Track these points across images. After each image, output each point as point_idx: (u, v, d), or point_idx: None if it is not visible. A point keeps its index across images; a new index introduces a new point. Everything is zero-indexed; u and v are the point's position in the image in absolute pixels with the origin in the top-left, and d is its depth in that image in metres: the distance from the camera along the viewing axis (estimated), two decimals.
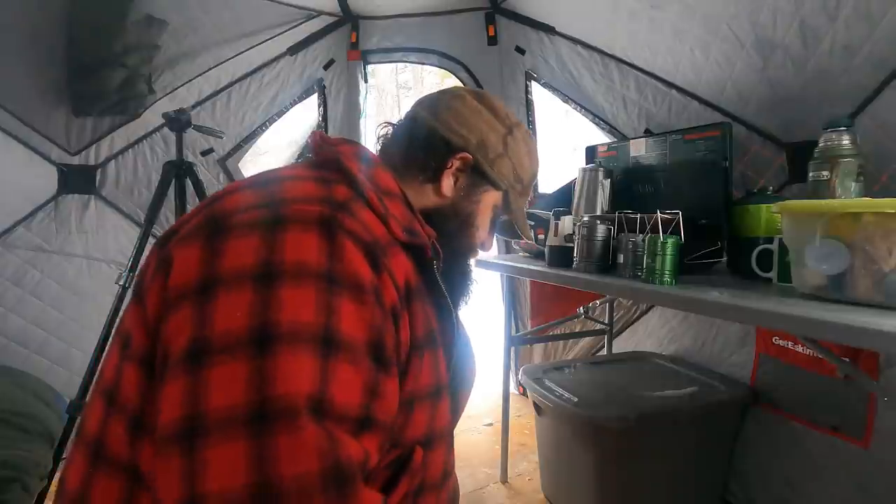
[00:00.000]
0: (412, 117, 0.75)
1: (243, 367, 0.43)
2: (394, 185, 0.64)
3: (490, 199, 0.75)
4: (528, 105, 2.47)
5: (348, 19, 2.45)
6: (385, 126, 0.79)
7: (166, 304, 0.48)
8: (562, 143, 3.28)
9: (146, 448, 0.48)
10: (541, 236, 1.65)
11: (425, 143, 0.71)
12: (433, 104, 0.75)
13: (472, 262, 0.79)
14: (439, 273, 0.66)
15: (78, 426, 0.56)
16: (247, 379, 0.42)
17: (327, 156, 0.63)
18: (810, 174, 1.14)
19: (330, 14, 2.40)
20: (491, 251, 0.90)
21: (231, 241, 0.48)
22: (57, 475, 1.56)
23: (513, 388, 2.59)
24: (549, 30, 2.19)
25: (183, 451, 0.41)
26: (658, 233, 1.19)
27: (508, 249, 2.39)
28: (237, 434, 0.41)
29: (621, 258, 1.29)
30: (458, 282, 0.75)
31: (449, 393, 0.64)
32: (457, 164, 0.71)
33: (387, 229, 0.56)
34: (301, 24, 2.32)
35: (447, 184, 0.71)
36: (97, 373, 0.59)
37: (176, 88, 2.09)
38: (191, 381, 0.43)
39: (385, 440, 0.51)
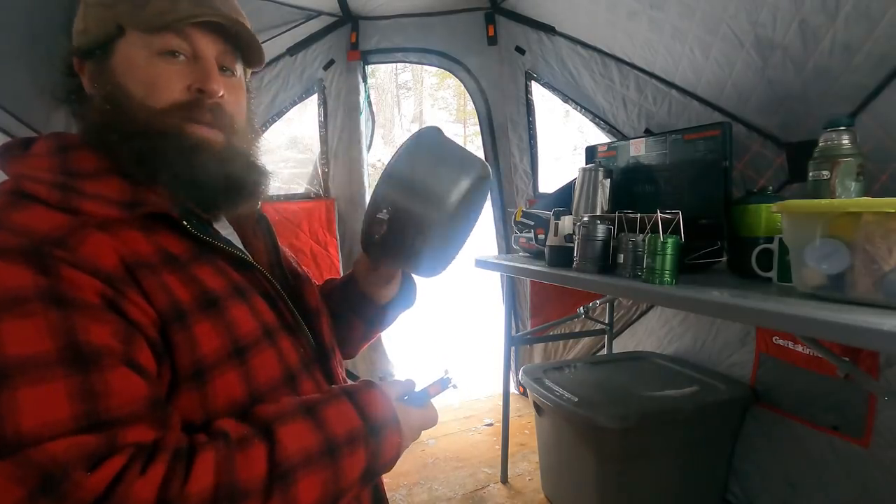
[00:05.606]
0: None
1: None
2: (95, 164, 0.56)
3: (121, 55, 0.60)
4: (528, 105, 2.47)
5: (348, 19, 2.45)
6: None
7: None
8: (562, 143, 3.28)
9: None
10: (541, 236, 1.65)
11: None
12: None
13: (196, 138, 0.58)
14: (209, 221, 0.61)
15: None
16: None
17: None
18: (810, 174, 1.14)
19: (330, 14, 2.40)
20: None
21: None
22: None
23: (513, 388, 2.59)
24: (549, 30, 2.19)
25: None
26: (658, 233, 1.19)
27: (509, 249, 2.39)
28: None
29: (621, 258, 1.29)
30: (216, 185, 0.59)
31: (287, 332, 0.61)
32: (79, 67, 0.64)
33: (77, 215, 0.51)
34: (301, 24, 2.31)
35: (87, 84, 0.63)
36: None
37: None
38: None
39: (156, 416, 0.48)
